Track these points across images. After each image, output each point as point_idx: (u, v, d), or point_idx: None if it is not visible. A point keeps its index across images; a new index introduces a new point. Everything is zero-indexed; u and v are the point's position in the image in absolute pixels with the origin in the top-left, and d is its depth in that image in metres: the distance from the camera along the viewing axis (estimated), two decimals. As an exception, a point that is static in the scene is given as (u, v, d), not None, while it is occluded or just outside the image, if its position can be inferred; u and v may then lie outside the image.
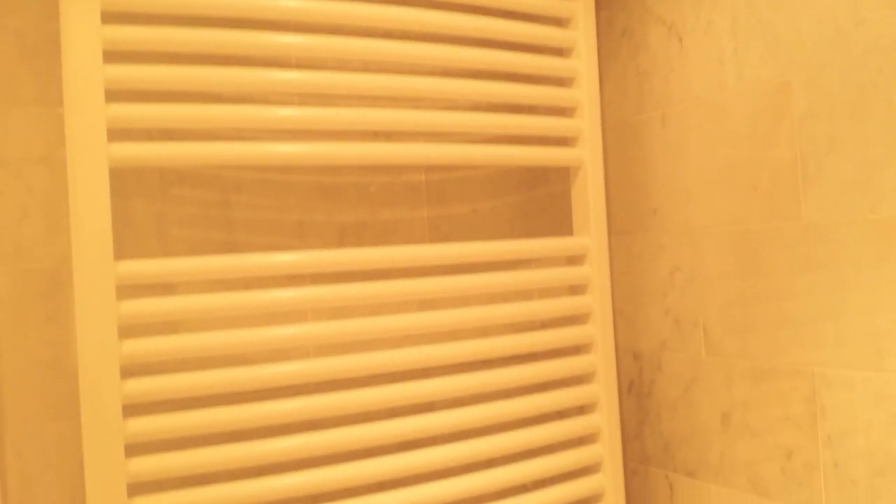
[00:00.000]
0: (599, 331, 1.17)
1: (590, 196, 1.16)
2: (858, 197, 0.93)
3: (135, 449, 0.89)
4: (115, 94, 0.89)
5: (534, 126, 1.12)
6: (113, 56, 0.87)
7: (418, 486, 1.02)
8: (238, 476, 0.93)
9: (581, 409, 1.20)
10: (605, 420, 1.16)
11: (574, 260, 1.20)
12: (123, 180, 0.98)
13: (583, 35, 1.16)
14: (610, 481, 1.16)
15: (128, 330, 0.90)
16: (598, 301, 1.17)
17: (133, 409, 0.88)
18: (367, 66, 1.11)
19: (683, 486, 1.19)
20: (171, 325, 0.99)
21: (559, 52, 1.20)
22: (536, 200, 1.28)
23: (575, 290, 1.20)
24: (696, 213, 1.14)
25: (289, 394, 1.02)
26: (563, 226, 1.30)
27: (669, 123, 1.17)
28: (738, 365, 1.08)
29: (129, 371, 0.88)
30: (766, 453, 1.05)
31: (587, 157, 1.16)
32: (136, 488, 0.87)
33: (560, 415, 1.19)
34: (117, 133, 0.90)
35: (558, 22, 1.18)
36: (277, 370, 0.94)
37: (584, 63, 1.16)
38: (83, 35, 0.84)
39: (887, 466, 0.90)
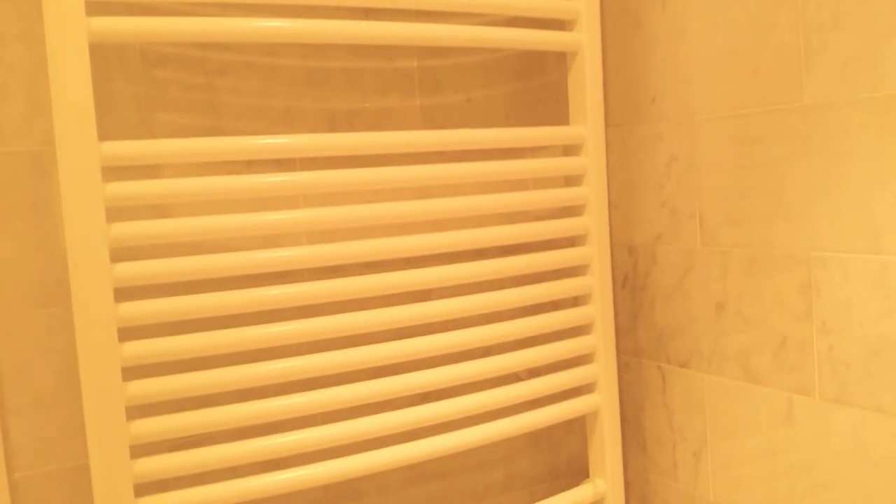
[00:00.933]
0: (595, 222, 1.16)
1: (587, 83, 1.13)
2: (861, 74, 0.90)
3: (127, 333, 0.88)
4: (91, -34, 0.85)
5: (530, 7, 1.08)
6: (87, -76, 0.83)
7: (413, 374, 1.02)
8: (230, 362, 0.92)
9: (575, 301, 1.20)
10: (599, 311, 1.16)
11: (570, 150, 1.17)
12: (105, 62, 0.94)
13: (582, -87, 1.11)
14: (603, 372, 1.17)
15: (115, 213, 0.88)
16: (593, 192, 1.15)
17: (124, 292, 0.87)
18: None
19: (676, 376, 1.20)
20: (158, 210, 0.97)
21: (557, -68, 1.15)
22: (532, 90, 1.25)
23: (570, 181, 1.18)
24: (695, 100, 1.11)
25: (281, 281, 1.01)
26: (559, 116, 1.27)
27: (670, 7, 1.13)
28: (733, 254, 1.08)
29: (118, 255, 0.86)
30: (760, 341, 1.05)
31: (585, 41, 1.12)
32: (130, 372, 0.86)
33: (554, 306, 1.19)
34: (96, 6, 0.86)
35: None
36: (269, 255, 0.92)
37: (582, -57, 1.12)
38: None
39: (882, 348, 0.91)
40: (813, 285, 0.97)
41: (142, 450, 0.89)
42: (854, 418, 0.94)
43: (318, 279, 0.96)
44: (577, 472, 1.31)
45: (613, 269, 1.29)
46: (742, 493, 1.10)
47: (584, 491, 1.17)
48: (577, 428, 1.33)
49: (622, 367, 1.30)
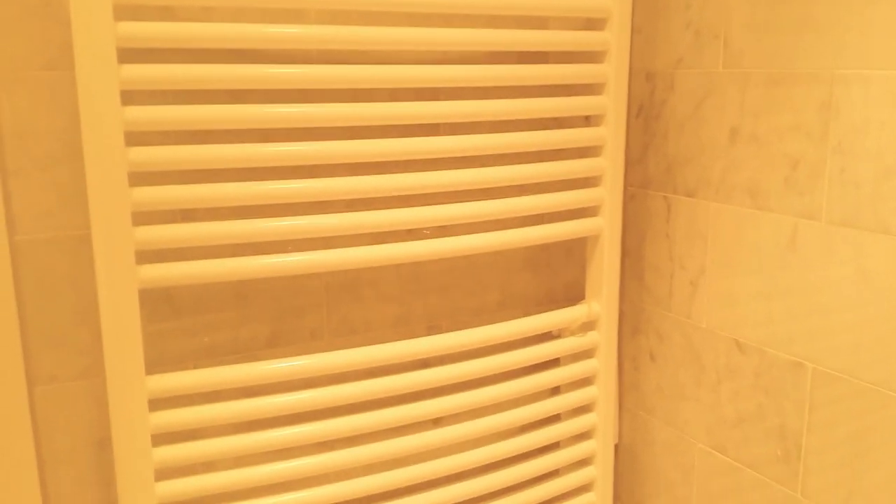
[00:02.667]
0: (615, 40, 1.12)
1: None
2: None
3: (131, 97, 0.86)
4: None
5: None
6: None
7: (420, 174, 1.01)
8: (234, 139, 0.91)
9: (587, 120, 1.17)
10: (612, 133, 1.14)
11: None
12: None
13: None
14: (608, 195, 1.16)
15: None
16: (617, 5, 1.10)
17: (128, 54, 0.84)
18: None
19: (681, 205, 1.19)
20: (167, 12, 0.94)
21: None
22: None
23: (594, -7, 1.13)
24: (734, -90, 1.05)
25: (292, 99, 0.99)
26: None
27: None
28: (754, 75, 1.04)
29: (122, 14, 0.83)
30: (771, 164, 1.03)
31: None
32: (134, 138, 0.85)
33: (559, 123, 1.17)
34: None
35: None
36: (281, 71, 0.90)
37: None
38: None
39: (894, 168, 0.89)
40: (833, 105, 0.95)
41: (143, 217, 0.89)
42: (859, 241, 0.93)
43: (326, 101, 0.94)
44: (573, 299, 1.32)
45: (629, 98, 1.26)
46: (736, 321, 1.11)
47: (578, 310, 1.19)
48: (576, 255, 1.33)
49: (628, 199, 1.29)
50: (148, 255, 0.90)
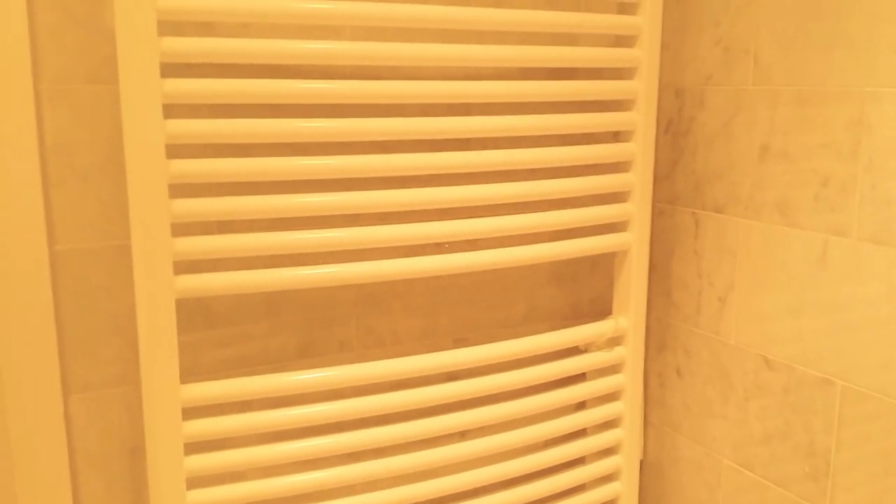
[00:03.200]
0: (644, 56, 1.12)
1: None
2: None
3: (173, 111, 0.88)
4: None
5: None
6: None
7: (448, 188, 1.02)
8: (272, 153, 0.93)
9: (616, 136, 1.18)
10: (641, 149, 1.15)
11: (626, -19, 1.13)
12: None
13: None
14: (637, 210, 1.16)
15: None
16: (647, 23, 1.11)
17: (171, 69, 0.86)
18: None
19: (710, 222, 1.19)
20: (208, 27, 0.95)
21: None
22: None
23: (623, 7, 1.14)
24: (764, -71, 1.06)
25: (327, 114, 1.00)
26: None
27: None
28: (784, 92, 1.05)
29: (165, 30, 0.85)
30: (801, 181, 1.04)
31: None
32: (175, 151, 0.87)
33: (588, 139, 1.18)
34: None
35: None
36: (316, 86, 0.92)
37: None
38: None
39: (927, 186, 0.89)
40: (864, 122, 0.95)
41: (182, 229, 0.91)
42: (890, 257, 0.93)
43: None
44: (598, 314, 1.32)
45: (658, 114, 1.27)
46: (765, 337, 1.11)
47: (605, 325, 1.19)
48: (602, 269, 1.33)
49: (656, 215, 1.30)
50: (184, 266, 0.92)
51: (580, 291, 1.33)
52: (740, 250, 1.14)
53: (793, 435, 1.08)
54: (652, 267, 1.32)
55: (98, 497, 0.98)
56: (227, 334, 1.04)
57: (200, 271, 0.91)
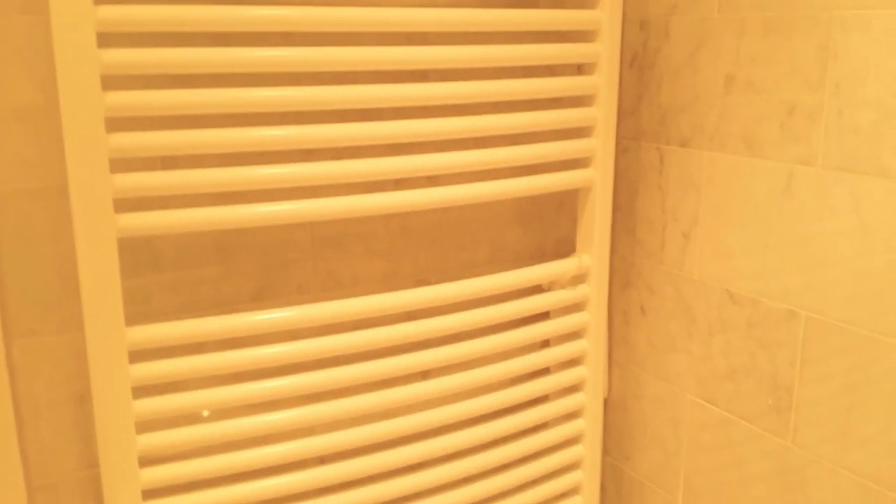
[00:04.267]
0: (608, -16, 1.08)
1: None
2: None
3: (108, 40, 0.83)
4: None
5: None
6: None
7: (408, 122, 0.98)
8: (218, 84, 0.88)
9: (580, 69, 1.15)
10: (605, 81, 1.11)
11: None
12: None
13: None
14: (601, 146, 1.13)
15: None
16: (610, -51, 1.07)
17: (101, -8, 0.81)
18: None
19: (674, 156, 1.17)
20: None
21: None
22: None
23: (586, -65, 1.09)
24: None
25: (278, 43, 0.95)
26: None
27: None
28: (750, 19, 1.02)
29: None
30: (767, 112, 1.01)
31: None
32: (112, 83, 0.82)
33: (551, 71, 1.14)
34: None
35: None
36: (267, 12, 0.87)
37: None
38: None
39: (894, 110, 0.87)
40: (830, 47, 0.92)
41: (122, 165, 0.86)
42: (856, 185, 0.92)
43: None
44: (564, 254, 1.30)
45: (623, 48, 1.23)
46: (729, 271, 1.10)
47: (568, 263, 1.17)
48: (568, 209, 1.31)
49: (621, 152, 1.27)
50: (127, 204, 0.88)
51: (546, 232, 1.30)
52: (705, 184, 1.12)
53: (756, 368, 1.07)
54: (617, 206, 1.29)
55: (46, 445, 0.95)
56: (178, 279, 1.01)
57: (144, 210, 0.87)
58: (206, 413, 1.00)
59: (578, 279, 1.19)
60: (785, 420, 1.04)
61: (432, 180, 1.12)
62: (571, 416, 1.23)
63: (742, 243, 1.07)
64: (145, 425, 0.90)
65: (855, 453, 0.95)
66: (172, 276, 1.00)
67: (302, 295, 1.09)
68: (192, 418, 0.97)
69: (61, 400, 0.95)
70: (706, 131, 1.10)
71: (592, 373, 1.21)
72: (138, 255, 0.98)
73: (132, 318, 0.92)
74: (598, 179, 1.14)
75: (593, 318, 1.19)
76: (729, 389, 1.12)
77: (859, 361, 0.93)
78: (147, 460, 0.91)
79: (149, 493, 0.92)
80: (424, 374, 1.11)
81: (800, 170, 0.98)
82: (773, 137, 1.01)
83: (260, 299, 1.06)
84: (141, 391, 0.89)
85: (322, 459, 1.06)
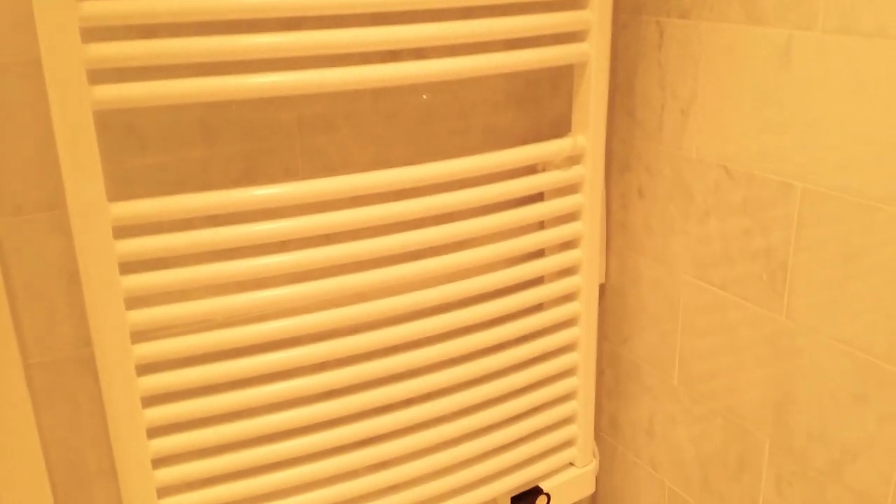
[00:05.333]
0: None
1: None
2: None
3: None
4: None
5: None
6: None
7: (407, 27, 0.94)
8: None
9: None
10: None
11: None
12: None
13: None
14: (597, 19, 1.09)
15: None
16: None
17: None
18: None
19: (674, 29, 1.13)
20: None
21: None
22: None
23: None
24: None
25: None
26: None
27: None
28: None
29: None
30: None
31: None
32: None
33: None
34: None
35: None
36: None
37: None
38: None
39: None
40: None
41: (96, 34, 0.84)
42: (856, 48, 0.88)
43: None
44: (559, 136, 1.28)
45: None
46: (727, 146, 1.07)
47: (563, 143, 1.15)
48: (564, 90, 1.28)
49: (620, 28, 1.23)
50: (103, 76, 0.85)
51: (541, 114, 1.27)
52: (704, 56, 1.08)
53: (751, 242, 1.06)
54: (616, 86, 1.26)
55: (40, 324, 0.96)
56: (163, 162, 0.99)
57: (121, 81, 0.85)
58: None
59: (573, 160, 1.17)
60: (779, 294, 1.03)
61: (421, 54, 1.08)
62: (567, 298, 1.23)
63: (740, 117, 1.04)
64: (134, 301, 0.90)
65: (849, 325, 0.95)
66: (157, 159, 0.99)
67: (290, 178, 1.08)
68: (183, 294, 0.98)
69: (52, 278, 0.95)
70: (706, 1, 1.06)
71: (588, 256, 1.20)
72: (123, 139, 0.96)
73: (117, 199, 0.92)
74: (593, 54, 1.11)
75: (588, 201, 1.17)
76: (724, 267, 1.11)
77: (855, 230, 0.92)
78: (139, 336, 0.92)
79: (143, 369, 0.93)
80: (417, 255, 1.11)
81: (799, 35, 0.94)
82: (772, 2, 0.96)
83: (247, 183, 1.05)
84: (128, 267, 0.89)
85: (317, 337, 1.07)
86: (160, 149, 0.99)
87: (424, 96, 1.12)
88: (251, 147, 1.04)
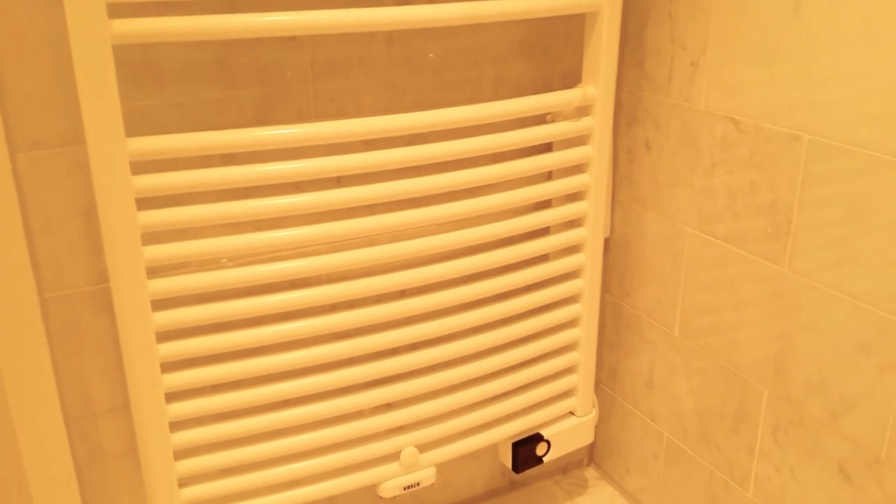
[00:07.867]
0: None
1: None
2: None
3: None
4: None
5: None
6: None
7: None
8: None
9: None
10: None
11: None
12: None
13: None
14: (610, -32, 1.09)
15: None
16: None
17: None
18: None
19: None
20: None
21: None
22: None
23: None
24: None
25: None
26: None
27: None
28: None
29: None
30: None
31: None
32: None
33: None
34: None
35: None
36: None
37: None
38: None
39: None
40: None
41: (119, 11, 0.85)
42: (867, -1, 0.89)
43: None
44: (570, 87, 1.28)
45: None
46: (735, 98, 1.08)
47: (572, 94, 1.15)
48: (575, 42, 1.28)
49: (630, -20, 1.23)
50: (121, 10, 0.86)
51: (552, 65, 1.28)
52: (714, 8, 1.09)
53: (757, 195, 1.07)
54: (626, 38, 1.26)
55: (57, 258, 0.98)
56: (180, 100, 1.00)
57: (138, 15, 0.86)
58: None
59: (582, 111, 1.17)
60: (783, 246, 1.05)
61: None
62: (572, 250, 1.24)
63: (750, 68, 1.05)
64: (151, 237, 0.92)
65: (853, 277, 0.96)
66: (174, 96, 1.00)
67: (302, 121, 1.09)
68: (198, 232, 0.99)
69: (69, 213, 0.97)
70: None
71: (594, 208, 1.21)
72: (140, 75, 0.97)
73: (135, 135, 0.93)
74: (605, 4, 1.11)
75: (596, 152, 1.19)
76: (728, 218, 1.13)
77: (861, 182, 0.93)
78: (154, 272, 0.93)
79: (158, 304, 0.95)
80: (426, 201, 1.12)
81: (813, -15, 0.94)
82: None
83: (259, 124, 1.06)
84: (145, 203, 0.90)
85: (326, 279, 1.09)
86: (176, 89, 0.99)
87: (431, 55, 1.13)
88: (265, 90, 1.05)
